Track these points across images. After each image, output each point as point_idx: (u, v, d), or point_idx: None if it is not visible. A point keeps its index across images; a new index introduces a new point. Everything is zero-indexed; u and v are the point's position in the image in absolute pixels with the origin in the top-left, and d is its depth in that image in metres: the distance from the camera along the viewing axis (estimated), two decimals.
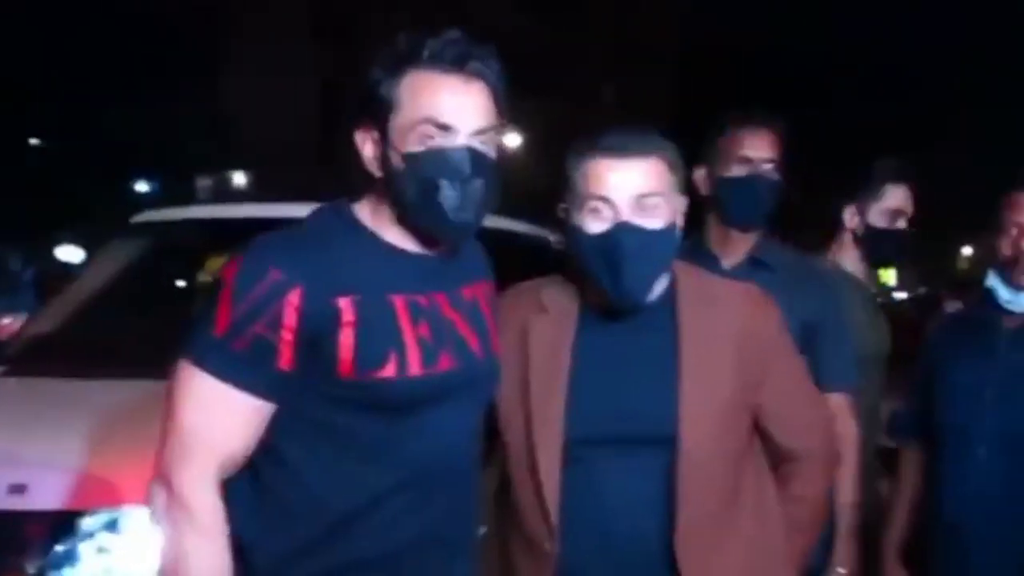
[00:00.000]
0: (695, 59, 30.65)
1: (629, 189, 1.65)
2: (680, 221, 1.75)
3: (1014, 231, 2.13)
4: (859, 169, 2.77)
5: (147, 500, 1.47)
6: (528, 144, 25.76)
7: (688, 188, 1.83)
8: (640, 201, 1.65)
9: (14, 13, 19.41)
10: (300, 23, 22.38)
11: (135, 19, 20.78)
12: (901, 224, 2.70)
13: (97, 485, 2.28)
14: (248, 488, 1.49)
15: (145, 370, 2.81)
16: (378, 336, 1.47)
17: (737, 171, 2.33)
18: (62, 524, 2.19)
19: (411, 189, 1.48)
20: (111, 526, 2.18)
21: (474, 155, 1.49)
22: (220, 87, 23.70)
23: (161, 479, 1.44)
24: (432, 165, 1.47)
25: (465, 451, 1.60)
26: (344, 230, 1.52)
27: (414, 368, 1.48)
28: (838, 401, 2.25)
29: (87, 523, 2.18)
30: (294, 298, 1.42)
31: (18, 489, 2.28)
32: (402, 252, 1.54)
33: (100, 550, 2.17)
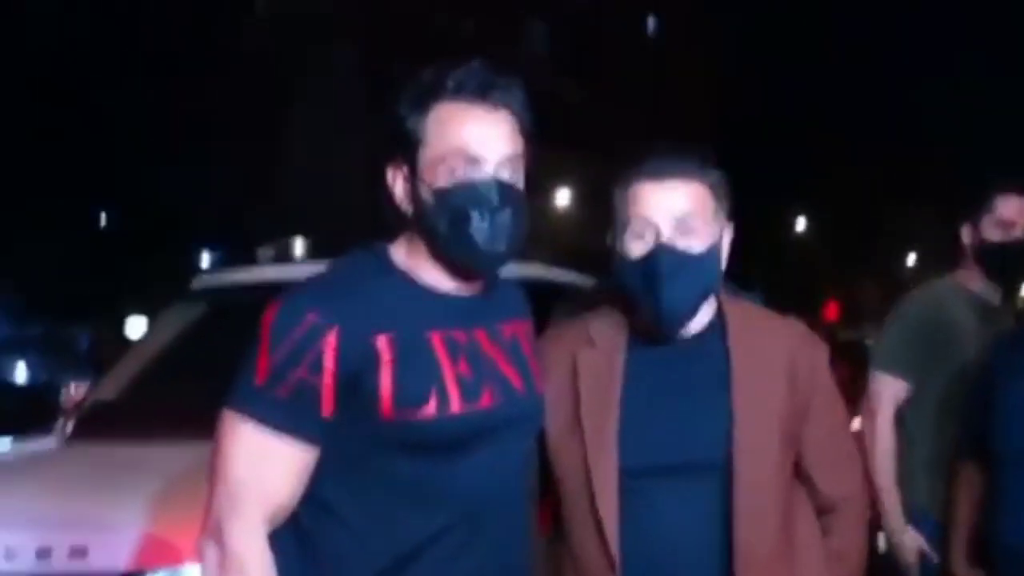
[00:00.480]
0: (734, 115, 30.87)
1: (669, 211, 1.64)
2: (725, 247, 1.74)
3: None
4: (970, 187, 2.79)
5: (198, 554, 1.46)
6: (576, 201, 25.93)
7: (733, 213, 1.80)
8: (680, 223, 1.64)
9: (74, 90, 20.24)
10: (356, 91, 22.97)
11: (191, 97, 21.52)
12: (1017, 234, 2.66)
13: (157, 546, 2.29)
14: (291, 538, 1.46)
15: (204, 432, 2.86)
16: (417, 374, 1.45)
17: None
18: None
19: (442, 222, 1.46)
20: None
21: (502, 186, 1.47)
22: (277, 158, 24.37)
23: (211, 532, 1.42)
24: (461, 197, 1.45)
25: (514, 488, 1.57)
26: (378, 270, 1.51)
27: (455, 406, 1.46)
28: None
29: None
30: (332, 339, 1.40)
31: (80, 552, 2.31)
32: (438, 290, 1.52)
33: None
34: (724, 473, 1.65)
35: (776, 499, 1.68)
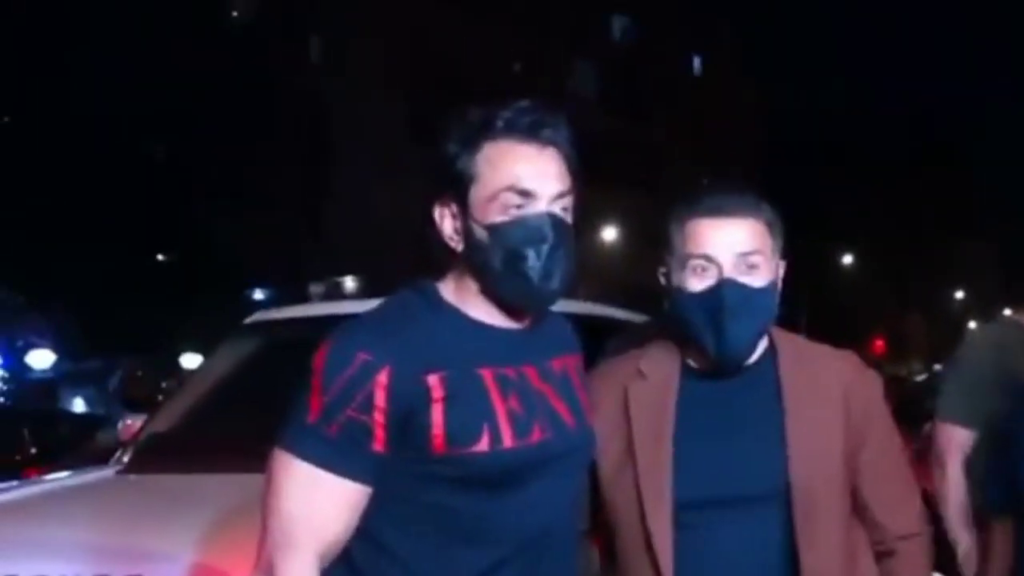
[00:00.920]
0: (781, 150, 30.72)
1: (731, 247, 1.66)
2: (779, 283, 1.75)
3: None
4: None
5: None
6: (623, 237, 25.88)
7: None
8: (742, 259, 1.66)
9: (133, 135, 20.77)
10: (403, 131, 23.27)
11: (244, 139, 21.97)
12: None
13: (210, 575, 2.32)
14: (343, 575, 1.48)
15: (257, 465, 2.91)
16: (469, 411, 1.46)
17: None
18: None
19: (496, 260, 1.47)
20: None
21: (555, 221, 1.49)
22: (327, 198, 24.72)
23: (263, 568, 1.44)
24: (516, 234, 1.47)
25: (566, 521, 1.58)
26: (427, 308, 1.52)
27: (507, 441, 1.47)
28: None
29: None
30: (383, 378, 1.42)
31: None
32: (487, 326, 1.53)
33: None
34: (780, 504, 1.65)
35: (838, 529, 1.67)
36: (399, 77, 24.49)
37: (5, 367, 17.56)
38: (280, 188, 23.54)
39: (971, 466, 2.60)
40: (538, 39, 26.15)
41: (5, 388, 17.48)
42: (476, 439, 1.45)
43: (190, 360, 16.35)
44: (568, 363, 1.64)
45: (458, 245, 1.52)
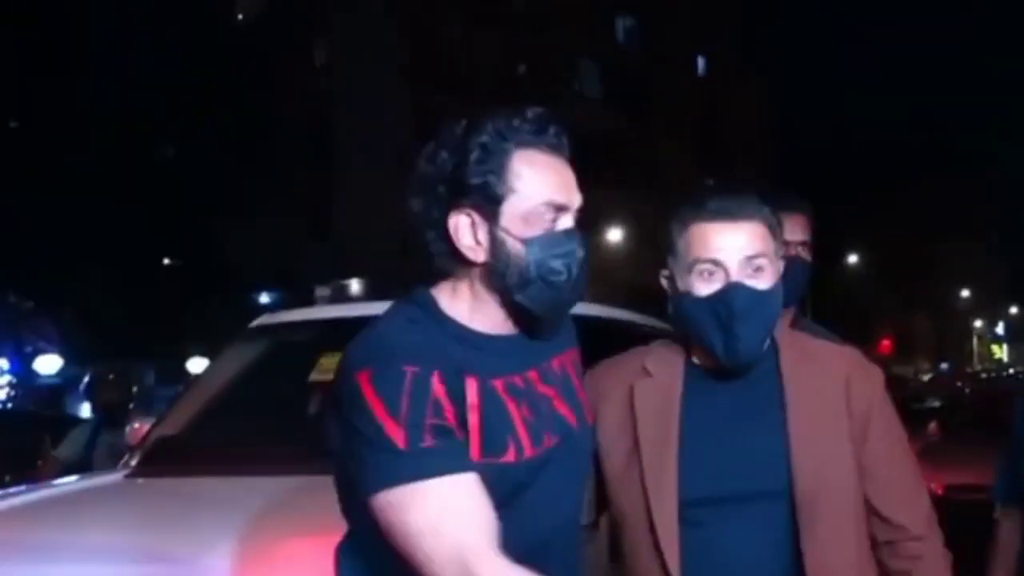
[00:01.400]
0: (785, 150, 30.72)
1: (738, 251, 1.67)
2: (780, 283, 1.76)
3: None
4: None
5: None
6: (629, 238, 25.87)
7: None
8: (748, 263, 1.68)
9: (138, 143, 20.81)
10: (408, 133, 23.30)
11: (250, 143, 22.01)
12: None
13: None
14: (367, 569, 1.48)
15: (263, 467, 2.94)
16: (497, 421, 1.46)
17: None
18: None
19: (531, 272, 1.46)
20: None
21: (582, 234, 1.50)
22: (332, 202, 24.75)
23: None
24: (554, 248, 1.47)
25: (572, 523, 1.60)
26: (430, 320, 1.49)
27: (527, 450, 1.48)
28: None
29: None
30: (437, 383, 1.40)
31: None
32: (490, 337, 1.51)
33: None
34: (786, 501, 1.66)
35: (846, 525, 1.68)
36: (404, 79, 24.51)
37: (13, 372, 17.62)
38: (286, 191, 23.59)
39: None
40: (543, 40, 26.15)
41: (13, 394, 17.55)
42: (504, 449, 1.46)
43: (197, 364, 16.37)
44: (566, 360, 1.65)
45: (479, 256, 1.48)
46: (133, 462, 3.42)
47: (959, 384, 20.15)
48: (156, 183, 21.06)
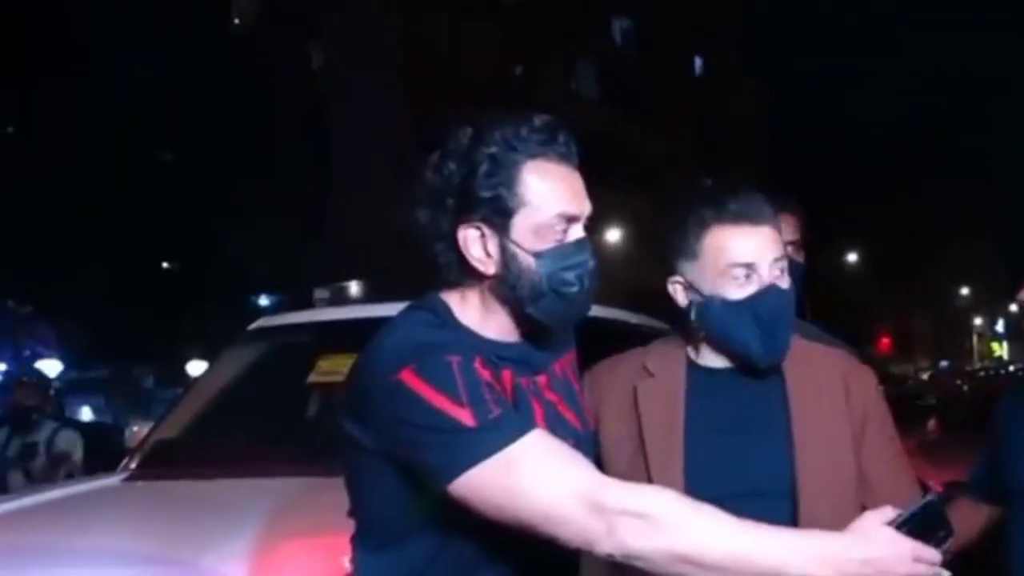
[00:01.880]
0: (786, 149, 30.76)
1: (768, 253, 1.69)
2: None
3: None
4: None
5: (600, 541, 1.32)
6: (627, 239, 25.90)
7: None
8: (775, 264, 1.70)
9: (137, 145, 20.83)
10: (407, 136, 23.32)
11: (248, 145, 22.03)
12: None
13: None
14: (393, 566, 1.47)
15: (262, 469, 2.95)
16: (527, 416, 1.44)
17: None
18: None
19: (543, 285, 1.45)
20: None
21: (591, 244, 1.49)
22: (331, 204, 24.77)
23: (596, 521, 1.31)
24: (566, 260, 1.46)
25: None
26: (443, 327, 1.48)
27: None
28: None
29: None
30: (480, 366, 1.39)
31: None
32: (501, 343, 1.50)
33: None
34: (789, 500, 1.67)
35: (847, 524, 1.66)
36: (400, 80, 24.52)
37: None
38: (283, 193, 23.60)
39: None
40: (540, 41, 26.17)
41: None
42: None
43: (196, 367, 16.36)
44: (565, 364, 1.65)
45: (489, 268, 1.46)
46: (132, 465, 3.42)
47: (958, 382, 20.19)
48: (154, 186, 21.07)
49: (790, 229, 2.48)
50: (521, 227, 1.44)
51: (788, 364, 1.75)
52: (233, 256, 20.98)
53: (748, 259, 1.68)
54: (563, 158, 1.47)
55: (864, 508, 1.74)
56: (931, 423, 8.96)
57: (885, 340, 34.46)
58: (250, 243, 20.66)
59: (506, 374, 1.45)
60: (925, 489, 1.84)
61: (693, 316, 1.73)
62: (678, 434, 1.71)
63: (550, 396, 1.55)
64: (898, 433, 1.88)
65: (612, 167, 24.88)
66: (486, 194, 1.43)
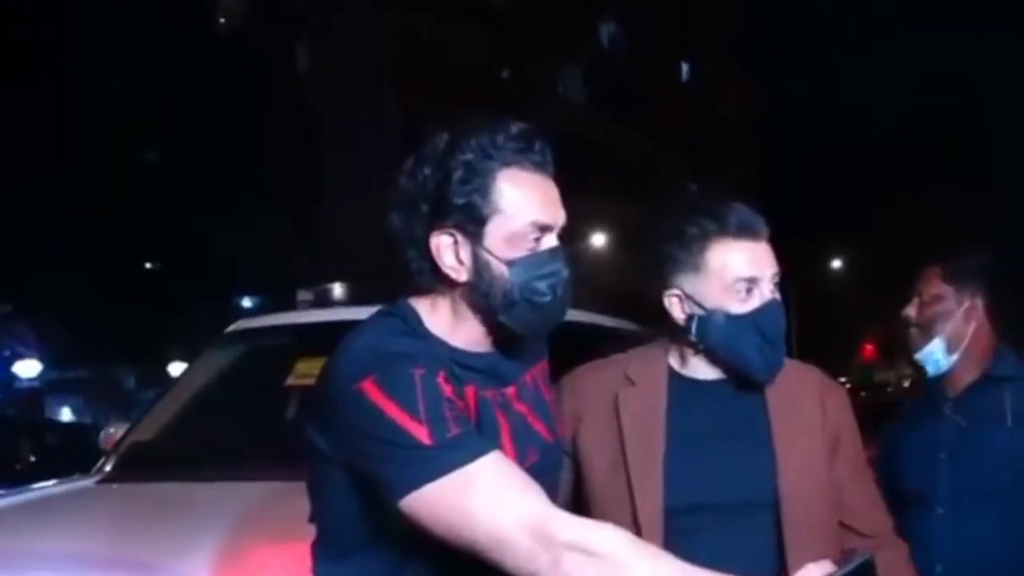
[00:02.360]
0: (774, 155, 30.91)
1: (769, 268, 1.72)
2: None
3: (917, 301, 2.31)
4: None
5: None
6: (613, 243, 25.96)
7: None
8: (773, 279, 1.72)
9: (120, 144, 20.74)
10: (395, 137, 23.30)
11: (235, 146, 21.97)
12: None
13: None
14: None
15: (238, 472, 2.92)
16: (490, 434, 1.43)
17: None
18: None
19: (514, 294, 1.44)
20: None
21: (565, 253, 1.48)
22: (319, 204, 24.71)
23: (543, 552, 1.29)
24: (539, 269, 1.45)
25: None
26: (414, 335, 1.46)
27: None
28: None
29: None
30: (443, 382, 1.38)
31: None
32: (471, 353, 1.49)
33: None
34: (769, 512, 1.68)
35: (825, 537, 1.71)
36: (388, 82, 24.50)
37: None
38: (271, 194, 23.54)
39: None
40: (527, 44, 26.20)
41: None
42: None
43: (178, 368, 16.29)
44: (536, 373, 1.63)
45: (461, 275, 1.45)
46: (107, 467, 3.39)
47: None
48: (139, 186, 20.97)
49: None
50: (494, 235, 1.43)
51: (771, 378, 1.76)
52: (218, 257, 20.91)
53: (752, 273, 1.70)
54: (538, 167, 1.46)
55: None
56: None
57: (869, 347, 34.64)
58: (236, 244, 20.59)
59: (470, 390, 1.44)
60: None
61: (693, 329, 1.73)
62: (659, 443, 1.71)
63: (519, 407, 1.54)
64: (873, 439, 1.91)
65: (599, 171, 24.95)
66: (460, 201, 1.42)
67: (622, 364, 1.82)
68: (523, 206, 1.43)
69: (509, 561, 1.31)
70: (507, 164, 1.43)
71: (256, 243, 20.94)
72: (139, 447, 3.41)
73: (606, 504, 1.73)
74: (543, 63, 27.39)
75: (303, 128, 25.05)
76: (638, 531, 1.66)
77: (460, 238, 1.44)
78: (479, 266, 1.44)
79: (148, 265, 23.67)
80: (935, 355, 2.27)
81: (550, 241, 1.46)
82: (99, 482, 3.27)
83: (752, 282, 1.70)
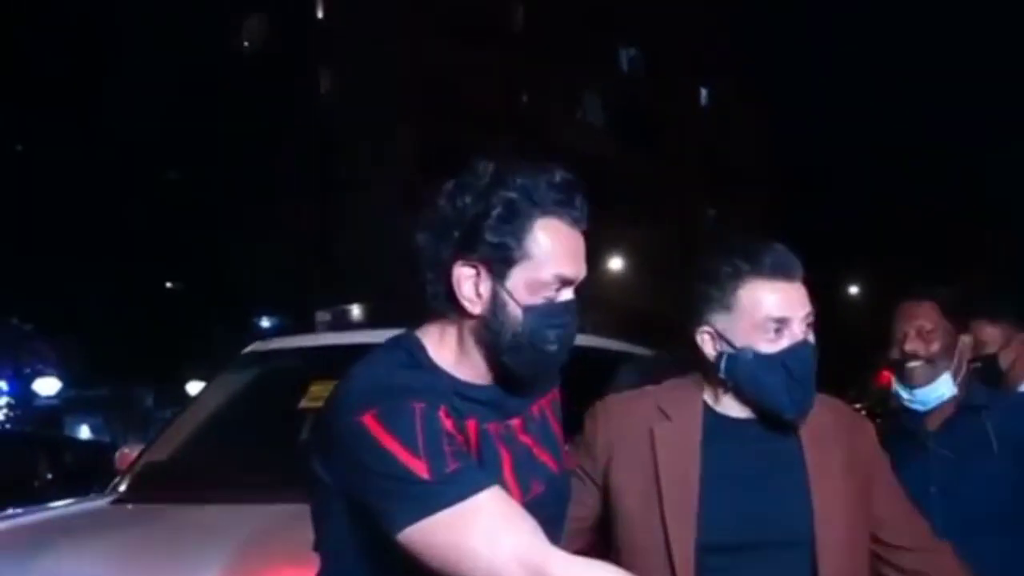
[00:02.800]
0: (789, 179, 30.82)
1: (801, 309, 1.72)
2: None
3: (901, 337, 2.29)
4: None
5: None
6: (632, 268, 25.93)
7: None
8: (805, 319, 1.73)
9: (141, 165, 20.93)
10: (413, 162, 23.42)
11: (256, 169, 22.14)
12: None
13: None
14: None
15: (252, 495, 2.92)
16: (492, 466, 1.44)
17: None
18: None
19: (523, 337, 1.45)
20: None
21: (577, 307, 1.50)
22: (338, 227, 24.84)
23: None
24: (551, 319, 1.46)
25: None
26: (417, 367, 1.47)
27: (516, 498, 1.44)
28: None
29: None
30: (444, 416, 1.39)
31: None
32: (475, 386, 1.50)
33: None
34: (803, 551, 1.68)
35: (859, 570, 1.72)
36: (407, 106, 24.66)
37: (12, 394, 17.60)
38: (290, 215, 23.68)
39: None
40: (546, 69, 26.32)
41: (12, 415, 17.53)
42: None
43: (195, 388, 16.37)
44: (544, 403, 1.63)
45: (475, 308, 1.46)
46: (122, 487, 3.40)
47: None
48: (159, 206, 21.15)
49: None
50: (518, 278, 1.44)
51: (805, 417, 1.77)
52: (238, 277, 21.02)
53: (782, 313, 1.70)
54: (575, 222, 1.47)
55: (882, 544, 1.79)
56: None
57: (886, 373, 34.38)
58: (255, 265, 20.71)
59: (471, 423, 1.44)
60: None
61: (723, 366, 1.74)
62: (695, 481, 1.71)
63: (524, 439, 1.54)
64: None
65: (616, 194, 24.96)
66: (494, 239, 1.43)
67: (656, 397, 1.83)
68: (553, 257, 1.44)
69: None
70: (547, 213, 1.44)
71: (275, 264, 21.06)
72: (153, 467, 3.42)
73: (638, 538, 1.73)
74: (562, 88, 27.52)
75: (322, 150, 25.24)
76: (671, 568, 1.68)
77: (483, 272, 1.44)
78: (496, 304, 1.45)
79: (168, 285, 23.82)
80: (940, 389, 2.26)
81: (568, 294, 1.48)
82: (113, 502, 3.28)
83: (782, 322, 1.70)
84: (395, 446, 1.34)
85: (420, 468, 1.33)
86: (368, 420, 1.36)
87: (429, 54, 24.69)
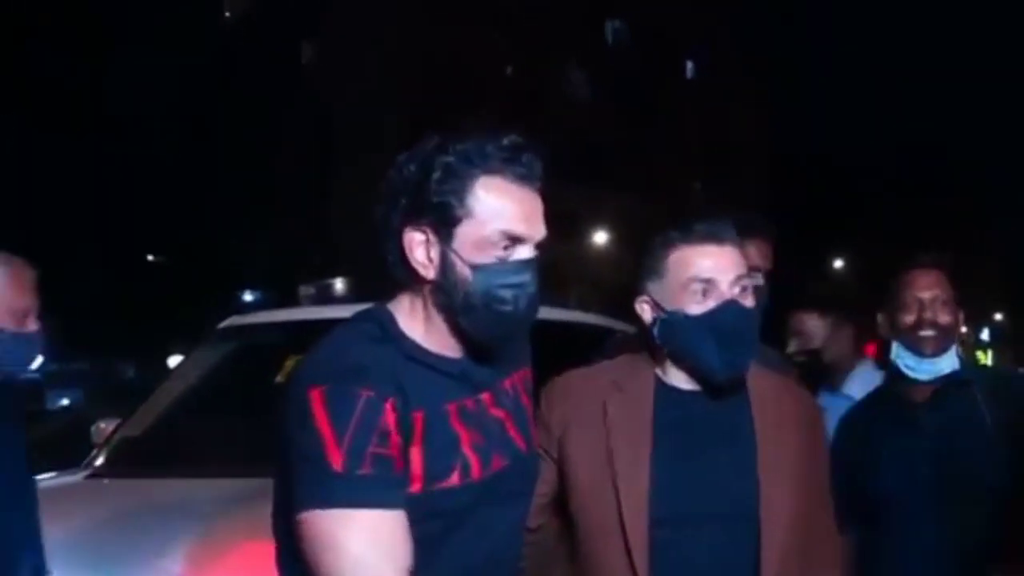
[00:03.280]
0: (782, 156, 30.82)
1: (730, 270, 1.73)
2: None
3: (915, 305, 2.24)
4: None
5: None
6: (617, 241, 25.95)
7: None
8: (737, 282, 1.73)
9: (125, 136, 20.74)
10: (402, 135, 23.27)
11: (242, 142, 21.97)
12: None
13: None
14: None
15: (229, 469, 2.92)
16: (442, 450, 1.45)
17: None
18: None
19: (475, 298, 1.46)
20: None
21: (536, 266, 1.49)
22: (328, 198, 24.72)
23: None
24: (503, 277, 1.46)
25: (514, 544, 1.60)
26: (386, 341, 1.48)
27: (475, 472, 1.47)
28: None
29: None
30: (389, 410, 1.39)
31: None
32: (446, 359, 1.50)
33: None
34: (751, 522, 1.70)
35: (800, 547, 1.73)
36: (393, 80, 24.50)
37: None
38: (279, 188, 23.56)
39: None
40: (531, 43, 26.16)
41: None
42: (448, 474, 1.45)
43: (176, 362, 16.35)
44: (517, 379, 1.64)
45: (429, 273, 1.48)
46: (97, 461, 3.40)
47: None
48: (143, 180, 20.99)
49: (759, 255, 2.46)
50: (462, 237, 1.46)
51: (756, 391, 1.79)
52: (223, 251, 20.91)
53: (707, 275, 1.72)
54: (522, 179, 1.48)
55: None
56: None
57: (871, 347, 34.64)
58: (241, 238, 20.60)
59: (419, 416, 1.43)
60: None
61: (657, 332, 1.76)
62: (646, 451, 1.73)
63: (496, 413, 1.55)
64: None
65: (603, 168, 24.93)
66: (435, 199, 1.45)
67: (610, 371, 1.85)
68: (496, 214, 1.45)
69: None
70: (489, 172, 1.46)
71: (262, 238, 20.96)
72: (129, 442, 3.42)
73: (591, 510, 1.75)
74: (548, 61, 27.37)
75: (311, 121, 25.07)
76: (625, 542, 1.70)
77: (431, 236, 1.47)
78: (446, 266, 1.47)
79: (150, 258, 23.68)
80: (947, 360, 2.24)
81: (523, 252, 1.47)
82: (88, 476, 3.28)
83: (709, 283, 1.72)
84: (325, 428, 1.36)
85: (336, 459, 1.35)
86: (314, 395, 1.37)
87: (416, 29, 24.50)
